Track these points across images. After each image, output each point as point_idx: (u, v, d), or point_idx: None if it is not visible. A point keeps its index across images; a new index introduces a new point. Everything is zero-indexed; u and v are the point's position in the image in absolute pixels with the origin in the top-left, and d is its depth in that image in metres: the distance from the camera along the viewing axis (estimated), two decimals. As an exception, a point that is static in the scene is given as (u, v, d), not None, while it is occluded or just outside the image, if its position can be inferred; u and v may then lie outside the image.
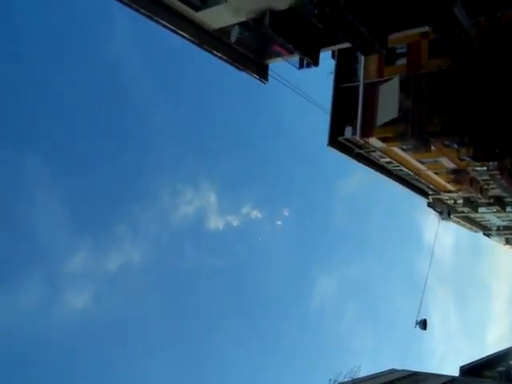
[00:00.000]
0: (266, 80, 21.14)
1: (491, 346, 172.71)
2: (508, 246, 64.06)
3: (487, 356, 41.85)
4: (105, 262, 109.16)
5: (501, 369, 36.53)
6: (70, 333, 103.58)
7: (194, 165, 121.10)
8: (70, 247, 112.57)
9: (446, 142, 26.27)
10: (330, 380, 28.93)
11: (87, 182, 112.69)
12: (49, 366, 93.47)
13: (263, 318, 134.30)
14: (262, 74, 20.94)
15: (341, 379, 29.23)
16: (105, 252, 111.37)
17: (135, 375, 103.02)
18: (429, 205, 42.41)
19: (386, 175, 34.50)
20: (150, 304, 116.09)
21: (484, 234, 59.46)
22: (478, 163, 28.63)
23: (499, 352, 45.15)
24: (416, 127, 24.68)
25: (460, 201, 41.80)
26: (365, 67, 28.22)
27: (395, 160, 31.38)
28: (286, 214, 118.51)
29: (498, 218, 49.07)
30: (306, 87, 24.85)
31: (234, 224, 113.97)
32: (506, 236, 59.57)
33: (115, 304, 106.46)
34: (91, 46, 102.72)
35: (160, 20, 17.01)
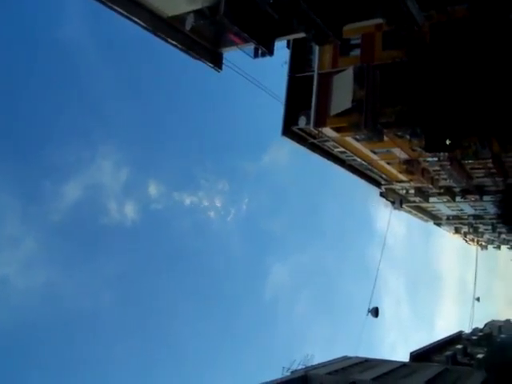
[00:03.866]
0: (220, 68, 21.00)
1: (440, 331, 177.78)
2: (457, 235, 65.69)
3: (436, 341, 42.93)
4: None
5: (448, 353, 37.50)
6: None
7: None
8: None
9: (399, 133, 26.65)
10: (284, 368, 29.20)
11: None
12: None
13: (216, 307, 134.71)
14: (217, 62, 20.80)
15: (294, 367, 29.52)
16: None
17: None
18: (381, 194, 43.05)
19: (339, 165, 34.86)
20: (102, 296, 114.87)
21: (434, 223, 60.85)
22: (429, 154, 29.18)
23: (447, 337, 46.39)
24: (369, 118, 24.95)
25: (412, 191, 42.61)
26: (319, 57, 28.32)
27: (349, 150, 31.71)
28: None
29: (448, 207, 50.23)
30: (260, 77, 24.84)
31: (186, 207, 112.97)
32: (456, 225, 61.07)
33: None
34: (41, 29, 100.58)
35: (113, 5, 16.67)
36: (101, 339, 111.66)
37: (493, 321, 64.47)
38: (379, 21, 18.52)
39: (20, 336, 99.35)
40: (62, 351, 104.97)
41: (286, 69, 29.82)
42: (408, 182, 39.52)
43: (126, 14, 17.10)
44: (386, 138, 26.91)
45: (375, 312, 31.66)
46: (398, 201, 43.06)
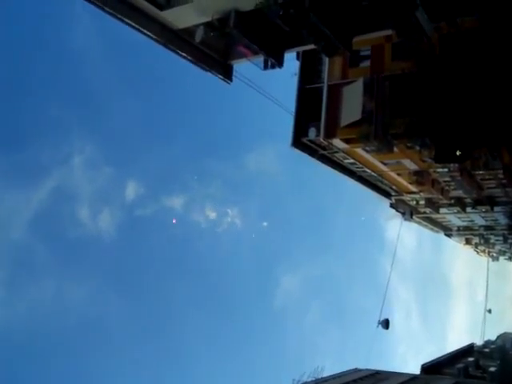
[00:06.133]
0: (231, 80, 21.13)
1: (452, 343, 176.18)
2: (468, 246, 65.23)
3: (447, 354, 42.54)
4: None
5: (460, 366, 37.13)
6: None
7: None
8: None
9: (409, 144, 26.54)
10: (294, 380, 28.97)
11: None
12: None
13: (227, 318, 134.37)
14: (227, 74, 20.92)
15: (304, 379, 29.30)
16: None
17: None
18: (391, 205, 42.86)
19: (349, 176, 34.78)
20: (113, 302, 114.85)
21: (445, 235, 60.42)
22: (439, 165, 29.08)
23: (459, 349, 45.96)
24: (379, 129, 24.92)
25: (422, 202, 42.38)
26: (329, 69, 28.37)
27: (358, 161, 31.64)
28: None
29: (459, 218, 49.93)
30: (270, 88, 24.93)
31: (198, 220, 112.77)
32: (466, 236, 60.61)
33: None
34: (52, 40, 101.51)
35: (124, 18, 16.85)
36: (112, 348, 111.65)
37: (505, 333, 63.80)
38: (389, 32, 18.58)
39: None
40: (71, 360, 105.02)
41: (295, 80, 29.91)
42: (418, 193, 39.34)
43: (137, 27, 17.29)
44: (395, 149, 26.85)
45: (386, 324, 31.45)
46: (408, 212, 42.85)
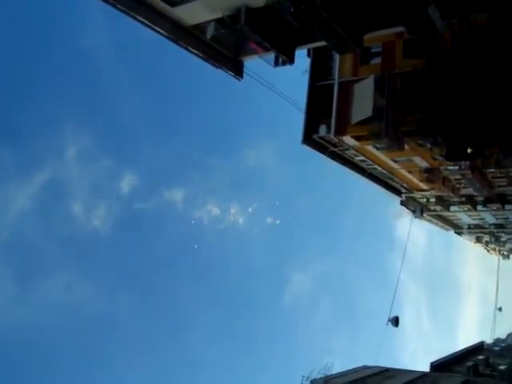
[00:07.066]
0: (241, 77, 21.07)
1: (462, 341, 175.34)
2: (478, 244, 64.94)
3: (457, 352, 42.46)
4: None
5: (469, 364, 37.03)
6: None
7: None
8: None
9: (420, 142, 26.51)
10: (303, 377, 29.13)
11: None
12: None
13: (237, 315, 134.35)
14: (238, 70, 20.87)
15: (314, 376, 29.41)
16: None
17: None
18: (402, 203, 42.74)
19: (359, 173, 34.71)
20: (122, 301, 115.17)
21: (455, 232, 60.21)
22: (450, 162, 28.97)
23: (468, 347, 45.85)
24: (390, 126, 24.85)
25: (432, 199, 42.28)
26: (340, 66, 28.32)
27: (369, 158, 31.59)
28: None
29: (469, 216, 49.69)
30: (281, 85, 24.89)
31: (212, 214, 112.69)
32: (477, 234, 60.35)
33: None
34: (63, 37, 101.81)
35: (136, 15, 16.87)
36: (116, 347, 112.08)
37: (515, 331, 63.40)
38: (400, 29, 18.48)
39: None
40: (75, 359, 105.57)
41: (306, 77, 29.88)
42: (429, 190, 39.21)
43: (148, 23, 17.30)
44: (406, 147, 26.77)
45: (395, 321, 31.46)
46: (418, 209, 42.70)
